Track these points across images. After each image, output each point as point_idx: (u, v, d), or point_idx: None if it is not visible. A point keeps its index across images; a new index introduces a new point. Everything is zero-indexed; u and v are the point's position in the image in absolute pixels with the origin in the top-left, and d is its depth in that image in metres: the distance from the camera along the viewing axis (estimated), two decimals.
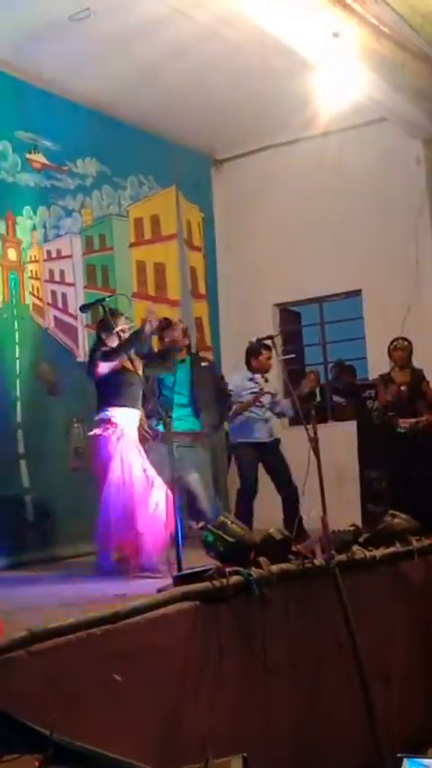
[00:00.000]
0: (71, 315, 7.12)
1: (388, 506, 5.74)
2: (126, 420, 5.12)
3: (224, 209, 8.99)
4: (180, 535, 4.33)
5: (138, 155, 7.94)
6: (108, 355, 5.21)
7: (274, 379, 7.09)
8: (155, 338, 5.98)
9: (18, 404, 6.48)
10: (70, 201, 7.25)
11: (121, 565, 4.95)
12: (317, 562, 4.24)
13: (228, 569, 3.75)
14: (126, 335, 5.26)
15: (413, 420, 6.67)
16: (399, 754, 3.77)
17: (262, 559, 3.96)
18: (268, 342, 6.28)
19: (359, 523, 5.96)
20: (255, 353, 6.66)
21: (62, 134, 7.10)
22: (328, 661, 4.17)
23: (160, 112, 7.66)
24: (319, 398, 9.23)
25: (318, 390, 9.27)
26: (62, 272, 7.15)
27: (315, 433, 4.63)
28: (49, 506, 6.46)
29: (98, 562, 5.08)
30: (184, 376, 6.04)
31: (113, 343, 5.23)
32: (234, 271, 8.90)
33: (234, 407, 6.51)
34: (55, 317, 7.02)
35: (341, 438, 7.58)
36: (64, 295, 7.14)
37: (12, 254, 6.67)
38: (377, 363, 8.00)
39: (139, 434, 5.30)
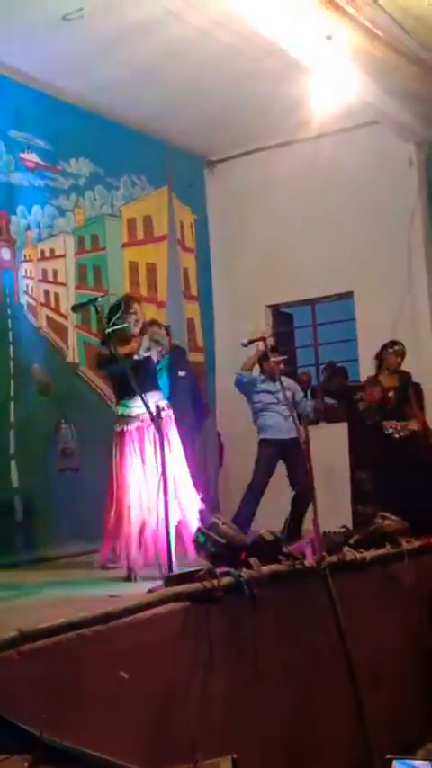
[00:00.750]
0: (62, 315, 7.12)
1: (378, 508, 5.75)
2: (139, 408, 4.93)
3: (217, 210, 8.99)
4: (169, 535, 4.32)
5: (131, 155, 7.93)
6: (102, 365, 5.19)
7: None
8: None
9: (12, 404, 6.47)
10: (64, 201, 7.24)
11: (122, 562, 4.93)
12: (308, 563, 4.25)
13: (218, 570, 3.75)
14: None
15: (398, 424, 6.65)
16: (388, 756, 3.78)
17: (253, 560, 3.97)
18: (262, 344, 6.29)
19: (350, 525, 5.99)
20: (264, 358, 6.66)
21: (56, 134, 7.09)
22: (319, 662, 4.18)
23: (154, 113, 7.66)
24: (310, 399, 9.26)
25: (309, 392, 9.31)
26: (55, 272, 7.14)
27: (306, 435, 4.64)
28: (38, 507, 6.45)
29: (101, 557, 5.07)
30: (162, 382, 5.97)
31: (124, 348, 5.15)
32: (227, 272, 8.91)
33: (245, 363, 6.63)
34: (47, 317, 7.02)
35: (332, 439, 7.60)
36: (56, 295, 7.13)
37: (6, 254, 6.66)
38: (369, 365, 8.01)
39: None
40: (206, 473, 7.41)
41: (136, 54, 6.53)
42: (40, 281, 6.97)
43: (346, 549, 4.70)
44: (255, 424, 6.83)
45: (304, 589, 4.18)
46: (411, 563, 5.11)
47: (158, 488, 4.55)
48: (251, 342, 6.35)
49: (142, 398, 4.63)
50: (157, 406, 4.77)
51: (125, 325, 5.14)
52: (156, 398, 5.02)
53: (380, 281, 8.14)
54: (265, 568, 3.97)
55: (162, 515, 4.53)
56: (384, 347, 6.92)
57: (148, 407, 4.60)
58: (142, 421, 4.91)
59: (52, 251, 7.11)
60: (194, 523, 4.69)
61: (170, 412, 5.07)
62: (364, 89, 6.82)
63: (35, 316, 6.89)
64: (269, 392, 6.67)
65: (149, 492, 4.76)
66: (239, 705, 3.66)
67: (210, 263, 8.95)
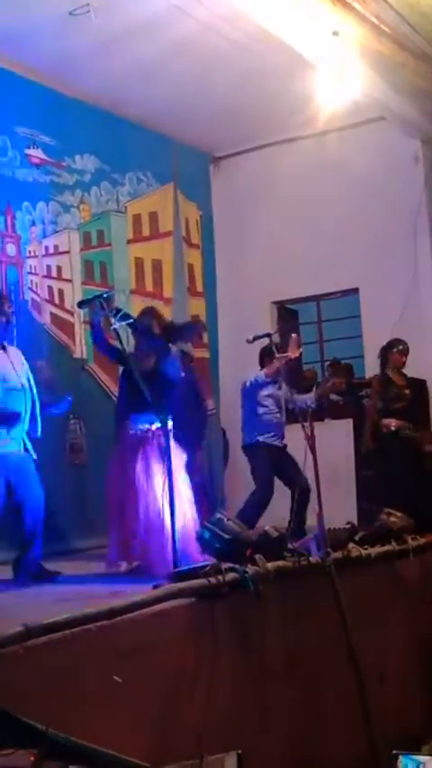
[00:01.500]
0: (68, 311, 7.11)
1: (383, 504, 5.75)
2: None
3: (223, 206, 8.98)
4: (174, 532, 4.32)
5: (136, 151, 7.92)
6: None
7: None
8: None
9: None
10: (69, 197, 7.23)
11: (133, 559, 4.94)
12: (313, 560, 4.25)
13: (224, 566, 3.75)
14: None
15: (395, 422, 6.66)
16: (394, 751, 3.79)
17: (258, 557, 3.97)
18: (267, 340, 6.28)
19: (355, 521, 5.99)
20: (269, 356, 6.53)
21: (61, 130, 7.08)
22: (324, 658, 4.18)
23: (160, 109, 7.65)
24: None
25: (314, 388, 9.29)
26: (59, 268, 7.14)
27: (312, 431, 4.64)
28: (48, 503, 6.45)
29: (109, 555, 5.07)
30: None
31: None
32: (232, 268, 8.90)
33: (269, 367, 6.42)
34: (51, 314, 7.02)
35: (337, 436, 7.60)
36: (61, 291, 7.13)
37: (11, 250, 6.66)
38: (374, 362, 8.00)
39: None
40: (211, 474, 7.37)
41: (142, 50, 6.53)
42: (44, 276, 6.97)
43: (351, 545, 4.70)
44: (248, 428, 6.64)
45: (309, 585, 4.18)
46: (416, 560, 5.11)
47: (162, 490, 4.59)
48: (256, 338, 6.35)
49: (156, 411, 4.64)
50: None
51: (131, 320, 5.15)
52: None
53: (385, 278, 8.13)
54: (271, 565, 3.97)
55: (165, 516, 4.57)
56: (390, 346, 6.92)
57: (161, 421, 4.61)
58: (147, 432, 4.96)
59: (56, 247, 7.11)
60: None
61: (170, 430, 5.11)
62: (371, 85, 6.80)
63: (39, 312, 6.89)
64: (272, 396, 6.54)
65: (153, 494, 4.80)
66: (245, 701, 3.66)
67: (215, 259, 8.94)
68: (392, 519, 5.19)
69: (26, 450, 4.96)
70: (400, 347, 6.89)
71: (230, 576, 3.73)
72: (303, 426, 4.62)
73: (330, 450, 6.81)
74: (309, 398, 6.63)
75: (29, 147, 6.84)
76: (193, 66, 6.87)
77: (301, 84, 6.78)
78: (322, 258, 8.38)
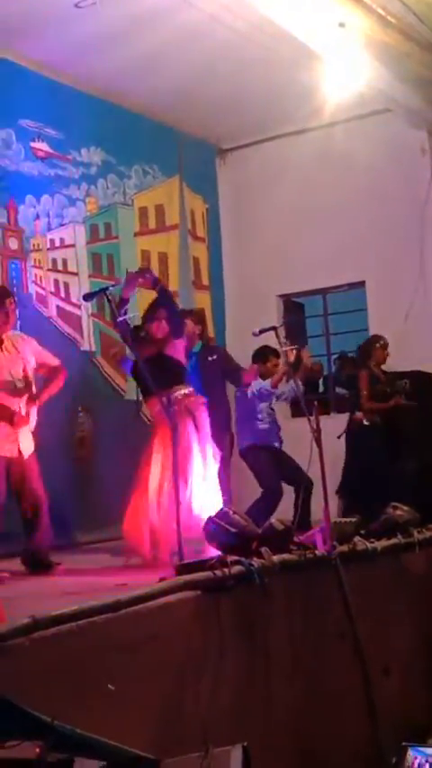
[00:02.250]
0: (74, 304, 7.11)
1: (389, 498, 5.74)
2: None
3: (228, 199, 8.96)
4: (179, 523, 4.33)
5: (142, 144, 7.91)
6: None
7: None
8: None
9: None
10: (74, 190, 7.23)
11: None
12: (318, 553, 4.25)
13: (229, 559, 3.75)
14: None
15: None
16: (404, 743, 3.79)
17: (264, 550, 3.96)
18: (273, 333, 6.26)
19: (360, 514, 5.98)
20: (262, 359, 6.55)
21: (67, 122, 7.08)
22: (330, 651, 4.18)
23: (165, 101, 7.63)
24: (322, 389, 9.24)
25: (321, 381, 9.29)
26: (65, 262, 7.14)
27: (317, 425, 4.63)
28: (54, 496, 6.46)
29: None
30: (192, 370, 6.01)
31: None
32: (238, 261, 8.88)
33: (273, 378, 6.43)
34: (57, 307, 7.02)
35: (343, 429, 7.57)
36: (66, 284, 7.13)
37: (13, 244, 6.66)
38: None
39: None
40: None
41: (147, 41, 6.50)
42: (49, 270, 6.97)
43: (356, 538, 4.69)
44: (243, 433, 6.60)
45: (315, 578, 4.18)
46: (422, 553, 5.10)
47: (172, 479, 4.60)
48: (262, 331, 6.33)
49: (161, 400, 4.67)
50: (168, 398, 4.79)
51: (133, 315, 5.20)
52: (183, 390, 5.11)
53: (392, 271, 8.10)
54: (276, 558, 3.97)
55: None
56: (372, 342, 6.93)
57: (166, 407, 4.62)
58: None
59: (62, 240, 7.11)
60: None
61: (199, 399, 5.14)
62: (377, 76, 6.76)
63: (45, 305, 6.90)
64: (271, 395, 6.53)
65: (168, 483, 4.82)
66: (250, 694, 3.67)
67: (221, 252, 8.92)
68: (398, 512, 5.18)
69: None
70: (382, 342, 6.91)
71: (236, 568, 3.72)
72: (309, 420, 4.61)
73: (336, 444, 6.82)
74: (288, 387, 6.55)
75: (34, 141, 6.83)
76: (198, 57, 6.85)
77: (307, 76, 6.75)
78: (328, 251, 8.35)
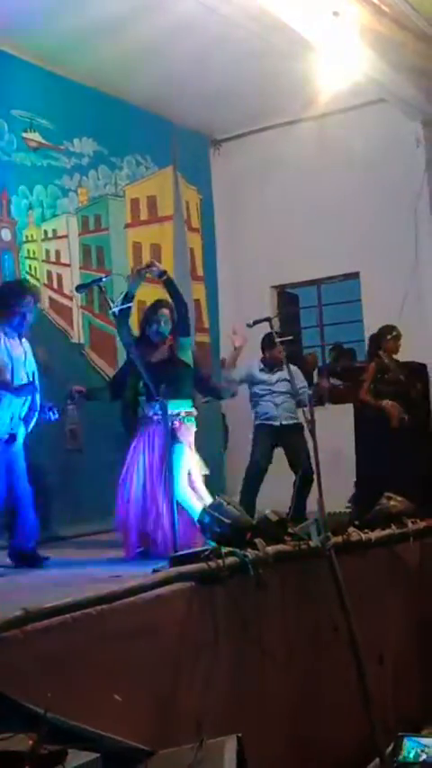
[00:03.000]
0: (66, 296, 7.08)
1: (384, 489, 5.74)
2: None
3: (223, 189, 8.92)
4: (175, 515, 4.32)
5: (135, 134, 7.86)
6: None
7: None
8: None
9: None
10: (67, 181, 7.18)
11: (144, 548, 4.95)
12: (313, 544, 4.24)
13: (223, 550, 3.75)
14: None
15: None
16: (399, 733, 3.80)
17: (258, 540, 3.96)
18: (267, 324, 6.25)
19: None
20: (269, 346, 6.58)
21: (59, 113, 7.02)
22: (324, 642, 4.18)
23: (159, 92, 7.58)
24: (315, 380, 9.23)
25: (315, 372, 9.28)
26: (57, 253, 7.10)
27: (312, 416, 4.62)
28: (44, 488, 6.44)
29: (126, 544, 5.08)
30: None
31: None
32: (232, 252, 8.86)
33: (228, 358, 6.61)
34: (50, 298, 6.99)
35: (338, 421, 7.57)
36: (59, 276, 7.10)
37: (6, 234, 6.61)
38: None
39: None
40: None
41: (141, 32, 6.45)
42: (43, 261, 6.94)
43: (351, 529, 4.70)
44: (253, 412, 6.80)
45: (309, 569, 4.18)
46: (416, 544, 5.11)
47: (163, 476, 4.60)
48: (256, 322, 6.32)
49: (161, 406, 4.63)
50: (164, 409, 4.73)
51: (129, 304, 5.14)
52: (182, 409, 5.06)
53: (386, 262, 8.08)
54: (270, 549, 3.97)
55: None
56: (383, 333, 6.91)
57: (165, 417, 4.59)
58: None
59: (55, 231, 7.07)
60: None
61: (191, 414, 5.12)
62: (371, 66, 6.73)
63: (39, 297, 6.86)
64: (265, 383, 6.63)
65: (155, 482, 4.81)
66: (244, 684, 3.67)
67: (215, 243, 8.90)
68: (392, 503, 5.19)
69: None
70: (394, 333, 6.89)
71: (230, 560, 3.72)
72: (304, 411, 4.61)
73: (331, 435, 6.81)
74: (307, 394, 6.60)
75: (26, 131, 6.79)
76: (192, 47, 6.80)
77: (302, 66, 6.71)
78: (323, 242, 8.34)
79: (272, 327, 6.35)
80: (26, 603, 2.86)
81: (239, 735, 2.84)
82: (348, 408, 7.84)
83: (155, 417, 4.96)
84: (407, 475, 6.22)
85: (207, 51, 6.90)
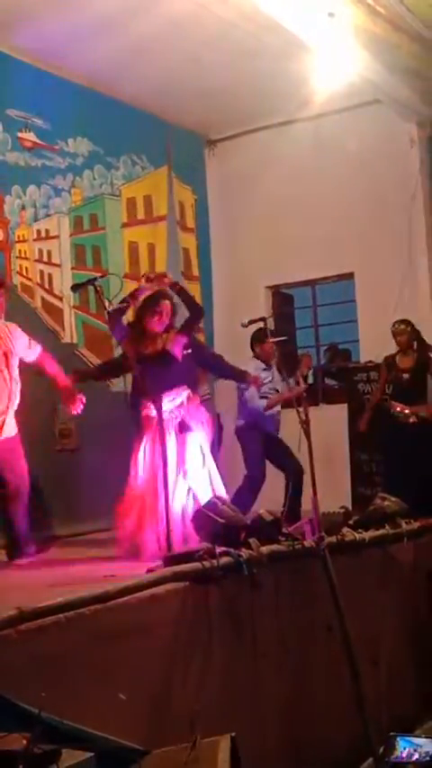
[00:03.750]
0: (57, 296, 7.08)
1: (378, 489, 5.75)
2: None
3: (217, 190, 8.93)
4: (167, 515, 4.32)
5: (131, 134, 7.87)
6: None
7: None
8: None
9: None
10: (61, 181, 7.19)
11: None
12: (307, 544, 4.25)
13: (218, 550, 3.75)
14: None
15: (406, 407, 6.62)
16: (392, 733, 3.80)
17: (252, 540, 3.96)
18: (261, 324, 6.26)
19: (349, 505, 5.99)
20: (260, 341, 6.58)
21: (54, 112, 7.02)
22: (317, 642, 4.19)
23: (154, 91, 7.59)
24: (311, 381, 9.24)
25: (310, 373, 9.29)
26: (49, 253, 7.10)
27: (306, 416, 4.63)
28: (37, 487, 6.44)
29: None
30: None
31: None
32: (227, 252, 8.87)
33: (268, 401, 6.48)
34: (42, 298, 6.99)
35: (332, 420, 7.60)
36: (50, 276, 7.10)
37: None
38: (369, 346, 8.00)
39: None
40: None
41: (136, 31, 6.45)
42: (35, 261, 6.93)
43: (345, 529, 4.70)
44: (242, 409, 6.66)
45: (303, 569, 4.18)
46: (410, 544, 5.11)
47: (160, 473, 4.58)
48: (251, 322, 6.32)
49: (155, 402, 4.65)
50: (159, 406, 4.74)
51: (124, 303, 5.15)
52: (183, 395, 5.08)
53: (380, 262, 8.10)
54: (265, 548, 3.97)
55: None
56: (393, 326, 6.91)
57: (159, 411, 4.59)
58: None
59: (47, 231, 7.07)
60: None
61: (196, 401, 5.10)
62: (366, 67, 6.75)
63: (30, 296, 6.86)
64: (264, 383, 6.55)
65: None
66: (238, 684, 3.67)
67: (210, 243, 8.90)
68: (386, 503, 5.19)
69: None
70: (396, 328, 6.88)
71: (224, 559, 3.72)
72: (298, 411, 4.61)
73: (324, 435, 6.81)
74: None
75: (21, 130, 6.78)
76: (187, 47, 6.81)
77: (297, 66, 6.72)
78: (317, 242, 8.34)
79: (266, 326, 6.36)
80: (20, 603, 2.86)
81: (233, 734, 2.84)
82: (341, 408, 7.88)
83: (155, 417, 4.94)
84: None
85: (202, 51, 6.92)
